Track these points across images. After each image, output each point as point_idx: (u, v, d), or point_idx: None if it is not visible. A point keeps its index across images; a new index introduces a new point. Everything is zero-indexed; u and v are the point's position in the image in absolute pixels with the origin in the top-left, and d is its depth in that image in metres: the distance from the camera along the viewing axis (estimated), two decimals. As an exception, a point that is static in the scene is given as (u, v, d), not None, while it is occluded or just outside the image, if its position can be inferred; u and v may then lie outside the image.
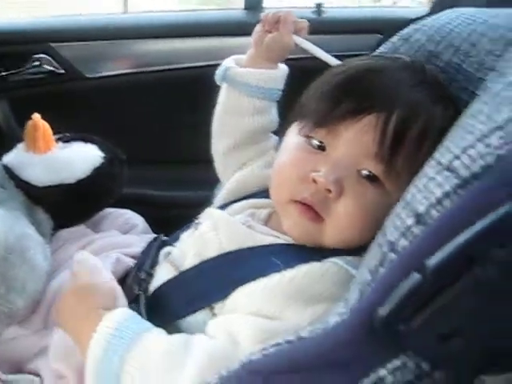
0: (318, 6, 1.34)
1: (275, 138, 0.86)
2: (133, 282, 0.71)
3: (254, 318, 0.58)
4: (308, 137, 0.65)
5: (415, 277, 0.37)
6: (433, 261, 0.37)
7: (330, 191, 0.60)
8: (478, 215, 0.36)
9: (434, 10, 1.14)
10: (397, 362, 0.40)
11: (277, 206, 0.69)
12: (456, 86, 0.69)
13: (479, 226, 0.36)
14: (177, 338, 0.59)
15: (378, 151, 0.60)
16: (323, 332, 0.43)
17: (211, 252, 0.67)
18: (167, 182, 1.35)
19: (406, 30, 0.82)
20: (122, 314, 0.60)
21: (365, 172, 0.61)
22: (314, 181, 0.61)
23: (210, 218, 0.73)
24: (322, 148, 0.63)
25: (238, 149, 0.84)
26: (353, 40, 1.32)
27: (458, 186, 0.40)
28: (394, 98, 0.61)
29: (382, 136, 0.59)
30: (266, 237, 0.68)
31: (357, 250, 0.61)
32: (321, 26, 1.34)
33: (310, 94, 0.68)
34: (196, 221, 0.75)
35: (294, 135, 0.68)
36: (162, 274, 0.70)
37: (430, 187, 0.42)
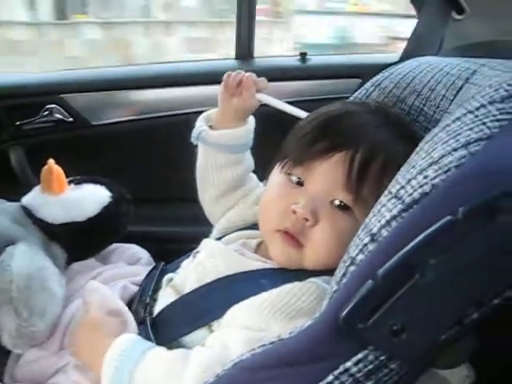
0: (303, 54, 1.44)
1: (254, 177, 0.94)
2: (138, 306, 0.80)
3: (244, 330, 0.66)
4: (288, 174, 0.74)
5: (369, 283, 0.47)
6: (382, 270, 0.46)
7: (307, 220, 0.69)
8: (416, 232, 0.46)
9: (403, 57, 1.26)
10: (360, 356, 0.48)
11: (264, 235, 0.78)
12: (418, 126, 0.80)
13: (417, 240, 0.46)
14: (177, 351, 0.67)
15: (346, 183, 0.69)
16: (299, 332, 0.52)
17: (209, 277, 0.75)
18: (168, 220, 1.42)
19: (377, 77, 0.92)
20: (128, 338, 0.69)
21: (337, 202, 0.70)
22: (294, 212, 0.70)
23: (207, 247, 0.81)
24: (300, 183, 0.73)
25: (222, 197, 0.91)
26: (335, 85, 1.40)
27: (402, 210, 0.49)
28: (360, 138, 0.70)
29: (349, 170, 0.68)
30: (255, 262, 0.76)
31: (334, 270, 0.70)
32: (305, 73, 1.45)
33: (291, 137, 0.77)
34: (195, 250, 0.84)
35: (276, 174, 0.77)
36: (165, 298, 0.78)
37: (382, 211, 0.51)
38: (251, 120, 0.91)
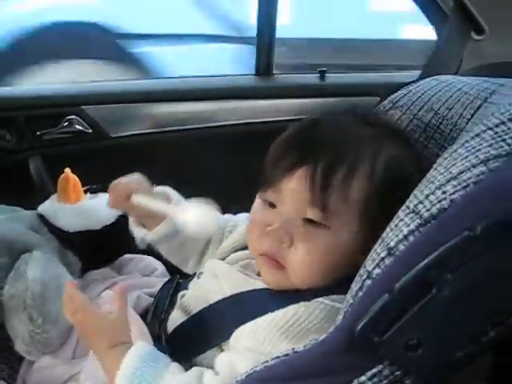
0: (322, 72, 1.45)
1: (223, 217, 0.91)
2: (154, 321, 0.79)
3: (252, 353, 0.65)
4: (263, 198, 0.73)
5: (385, 297, 0.46)
6: (399, 284, 0.46)
7: (282, 242, 0.68)
8: (433, 247, 0.46)
9: (422, 76, 1.26)
10: (374, 370, 0.48)
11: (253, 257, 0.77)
12: (434, 144, 0.80)
13: (435, 255, 0.46)
14: (191, 374, 0.65)
15: (312, 199, 0.66)
16: (313, 345, 0.52)
17: (215, 297, 0.74)
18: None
19: (395, 95, 0.92)
20: (143, 352, 0.66)
21: (309, 219, 0.68)
22: (269, 234, 0.69)
23: (210, 268, 0.80)
24: (273, 205, 0.71)
25: (203, 255, 0.90)
26: (354, 102, 1.39)
27: (419, 225, 0.49)
28: (318, 151, 0.68)
29: (312, 184, 0.66)
30: (260, 283, 0.74)
31: (342, 288, 0.67)
32: (324, 90, 1.46)
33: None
34: (198, 271, 0.82)
35: (256, 199, 0.76)
36: (176, 318, 0.77)
37: (400, 226, 0.51)
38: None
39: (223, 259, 0.85)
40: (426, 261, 0.45)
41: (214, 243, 0.89)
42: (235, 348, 0.68)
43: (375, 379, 0.48)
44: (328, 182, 0.66)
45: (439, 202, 0.49)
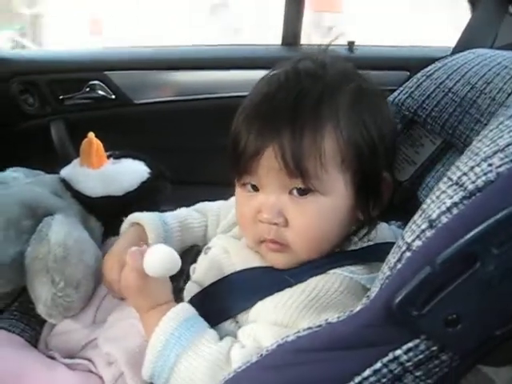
0: (350, 43, 1.42)
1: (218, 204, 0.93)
2: (173, 290, 0.79)
3: (274, 327, 0.65)
4: (242, 185, 0.71)
5: (426, 270, 0.45)
6: (441, 257, 0.45)
7: (277, 224, 0.67)
8: (479, 220, 0.44)
9: (456, 50, 1.22)
10: (411, 344, 0.47)
11: (254, 248, 0.75)
12: (469, 118, 0.77)
13: (480, 228, 0.44)
14: (224, 344, 0.65)
15: (289, 173, 0.65)
16: (348, 317, 0.50)
17: (226, 270, 0.74)
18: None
19: (429, 68, 0.89)
20: (183, 314, 0.67)
21: (294, 191, 0.67)
22: (262, 222, 0.68)
23: (219, 243, 0.80)
24: (255, 189, 0.70)
25: (204, 238, 0.90)
26: (382, 76, 1.35)
27: (464, 198, 0.47)
28: (280, 126, 0.65)
29: (284, 163, 0.64)
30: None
31: (359, 258, 0.69)
32: (352, 63, 1.43)
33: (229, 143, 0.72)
34: (205, 246, 0.82)
35: (237, 186, 0.74)
36: (191, 288, 0.77)
37: (442, 198, 0.49)
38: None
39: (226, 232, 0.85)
40: (470, 234, 0.44)
41: (211, 227, 0.90)
42: (257, 322, 0.68)
43: (411, 353, 0.47)
44: (298, 151, 0.64)
45: (485, 174, 0.47)
